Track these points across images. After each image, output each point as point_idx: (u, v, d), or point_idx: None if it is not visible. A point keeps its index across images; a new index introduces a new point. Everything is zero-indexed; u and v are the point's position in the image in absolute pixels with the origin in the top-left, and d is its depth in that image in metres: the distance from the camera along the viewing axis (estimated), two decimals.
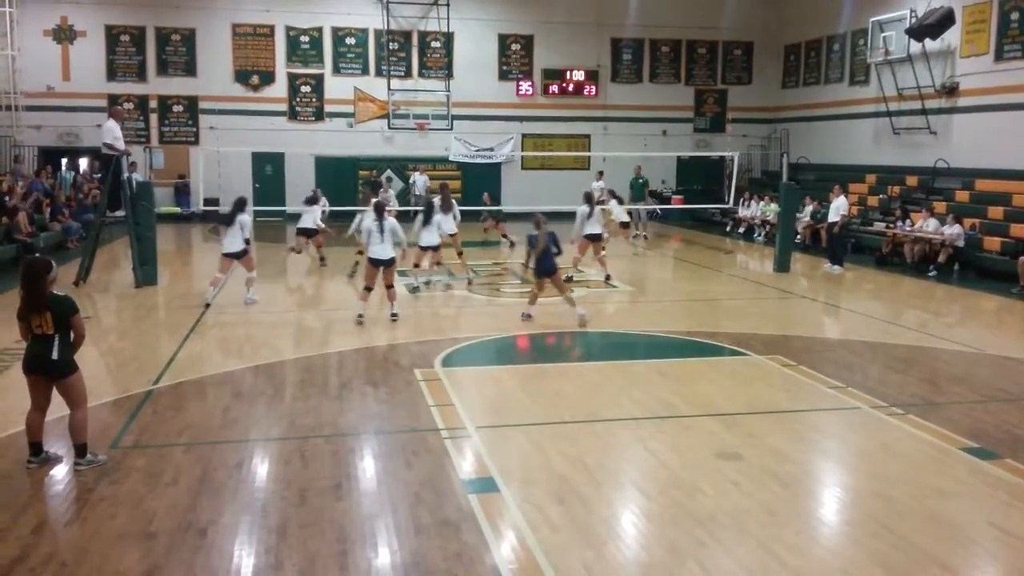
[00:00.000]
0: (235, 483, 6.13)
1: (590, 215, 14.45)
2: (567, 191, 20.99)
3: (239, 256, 12.66)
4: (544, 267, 11.39)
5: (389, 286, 11.59)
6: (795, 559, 5.05)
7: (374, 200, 12.69)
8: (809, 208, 20.94)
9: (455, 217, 15.30)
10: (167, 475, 6.22)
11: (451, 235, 14.96)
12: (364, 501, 5.86)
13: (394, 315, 11.58)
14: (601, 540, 5.28)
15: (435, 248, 13.81)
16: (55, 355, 6.20)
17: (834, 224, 17.60)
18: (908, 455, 6.90)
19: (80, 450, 6.32)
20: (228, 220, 12.71)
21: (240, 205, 12.87)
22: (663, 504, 5.85)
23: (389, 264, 11.46)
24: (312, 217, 16.02)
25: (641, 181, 24.63)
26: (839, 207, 17.62)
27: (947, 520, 5.64)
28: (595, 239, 14.64)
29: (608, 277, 14.94)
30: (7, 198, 17.46)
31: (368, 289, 11.50)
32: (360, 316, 11.44)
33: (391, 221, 11.53)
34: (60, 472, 6.29)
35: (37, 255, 6.98)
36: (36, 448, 6.37)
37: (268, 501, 5.81)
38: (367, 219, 11.82)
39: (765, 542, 5.25)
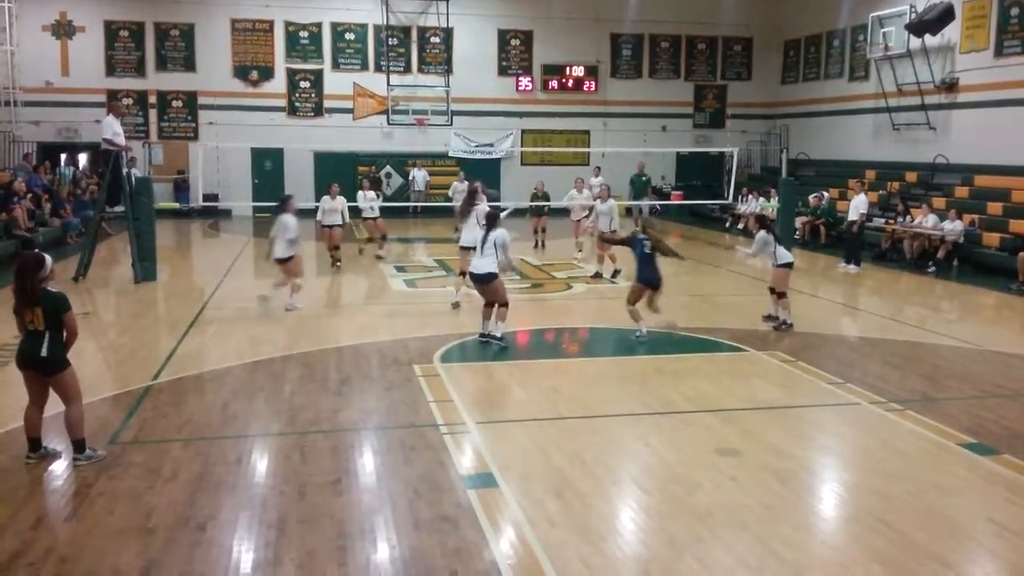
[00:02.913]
0: (234, 478, 6.14)
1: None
2: (566, 187, 20.92)
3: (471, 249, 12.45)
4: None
5: (503, 304, 10.03)
6: (793, 554, 5.05)
7: (486, 209, 11.27)
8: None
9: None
10: (166, 470, 6.22)
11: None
12: (363, 496, 5.86)
13: (498, 339, 9.95)
14: (600, 535, 5.29)
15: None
16: (44, 352, 6.20)
17: (853, 223, 16.92)
18: (907, 451, 6.91)
19: (78, 446, 6.32)
20: (465, 212, 12.37)
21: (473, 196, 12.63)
22: (661, 499, 5.86)
23: (487, 280, 9.90)
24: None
25: (645, 179, 24.24)
26: (858, 205, 16.87)
27: (945, 516, 5.65)
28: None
29: (605, 273, 15.02)
30: (15, 197, 17.45)
31: (488, 305, 10.16)
32: (482, 336, 10.13)
33: (500, 233, 9.95)
34: (59, 467, 6.29)
35: (35, 250, 6.95)
36: (35, 443, 6.38)
37: (267, 496, 5.82)
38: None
39: (763, 537, 5.25)
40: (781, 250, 11.36)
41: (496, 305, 10.04)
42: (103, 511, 5.53)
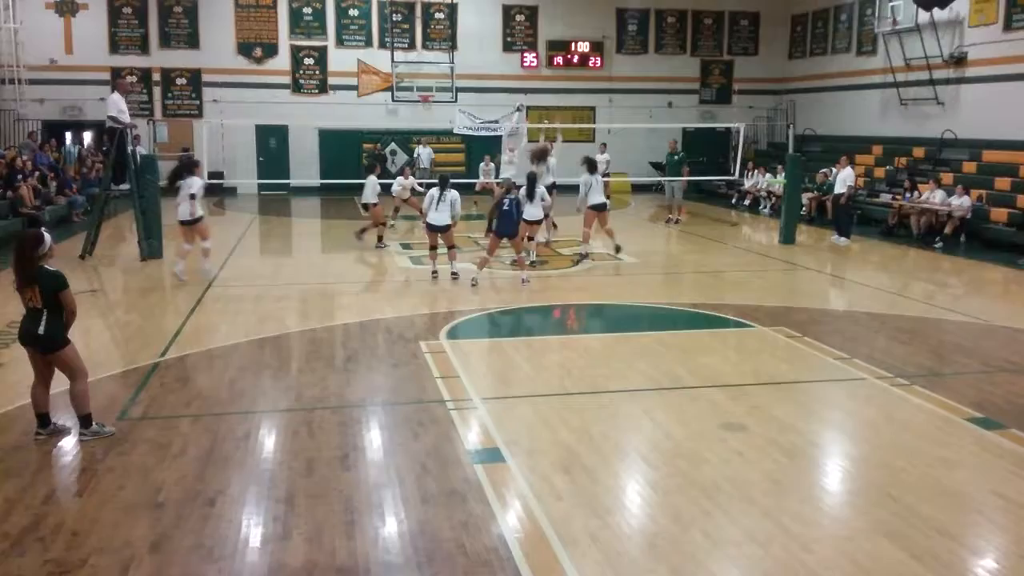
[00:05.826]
0: (243, 454, 6.17)
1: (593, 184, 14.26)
2: (572, 163, 20.82)
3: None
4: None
5: (450, 246, 12.68)
6: (799, 527, 5.07)
7: (427, 170, 13.33)
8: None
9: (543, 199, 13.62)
10: (175, 446, 6.26)
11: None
12: (371, 471, 5.89)
13: (454, 274, 12.62)
14: (606, 509, 5.32)
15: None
16: (41, 330, 6.22)
17: (840, 196, 17.45)
18: (913, 425, 6.91)
19: (84, 421, 6.36)
20: None
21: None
22: (668, 474, 5.88)
23: (444, 230, 12.49)
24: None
25: (677, 157, 21.21)
26: (845, 178, 17.46)
27: (952, 489, 5.66)
28: (600, 209, 14.44)
29: (618, 248, 14.89)
30: (20, 175, 17.42)
31: (433, 248, 12.69)
32: (434, 272, 12.65)
33: (453, 193, 12.42)
34: (68, 443, 6.33)
35: (40, 228, 6.95)
36: (43, 419, 6.41)
37: (276, 471, 5.85)
38: (433, 189, 12.66)
39: (769, 511, 5.27)
40: (593, 192, 14.16)
41: (448, 248, 12.65)
42: (113, 486, 5.57)
